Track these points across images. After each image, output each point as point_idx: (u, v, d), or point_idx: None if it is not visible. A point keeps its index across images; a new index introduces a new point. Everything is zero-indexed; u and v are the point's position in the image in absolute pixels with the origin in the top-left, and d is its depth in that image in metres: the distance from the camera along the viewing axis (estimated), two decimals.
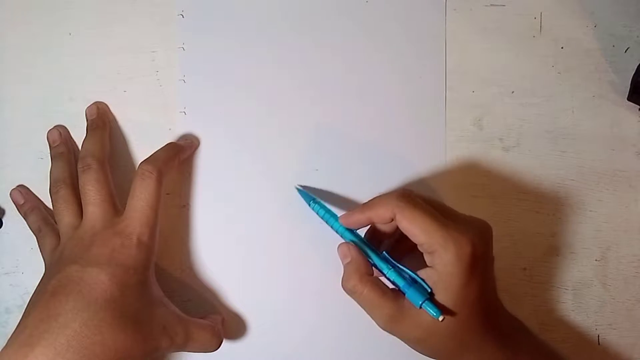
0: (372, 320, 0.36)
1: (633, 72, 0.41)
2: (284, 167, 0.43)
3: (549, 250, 0.43)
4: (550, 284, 0.43)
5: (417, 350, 0.37)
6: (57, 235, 0.39)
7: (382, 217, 0.36)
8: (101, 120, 0.42)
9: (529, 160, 0.43)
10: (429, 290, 0.34)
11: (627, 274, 0.43)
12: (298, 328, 0.42)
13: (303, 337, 0.42)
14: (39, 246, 0.40)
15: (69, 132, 0.43)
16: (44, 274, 0.38)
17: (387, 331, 0.36)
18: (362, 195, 0.42)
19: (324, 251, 0.42)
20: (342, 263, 0.38)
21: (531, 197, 0.43)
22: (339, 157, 0.43)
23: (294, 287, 0.43)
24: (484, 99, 0.43)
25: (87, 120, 0.42)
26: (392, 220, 0.36)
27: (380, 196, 0.37)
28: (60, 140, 0.42)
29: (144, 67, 0.43)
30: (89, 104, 0.43)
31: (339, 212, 0.39)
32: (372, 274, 0.37)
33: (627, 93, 0.42)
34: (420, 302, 0.33)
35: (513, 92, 0.43)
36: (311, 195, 0.41)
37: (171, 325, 0.36)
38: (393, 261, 0.36)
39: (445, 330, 0.34)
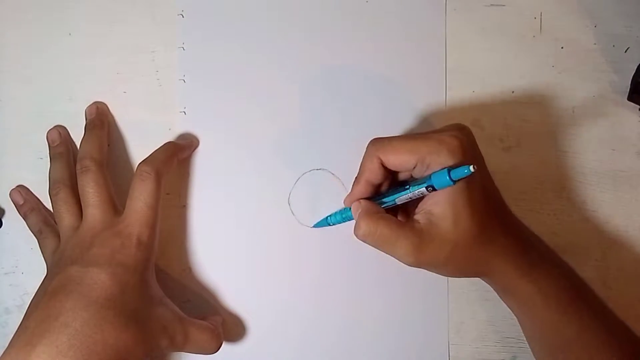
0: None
1: (633, 72, 0.41)
2: (284, 167, 0.43)
3: None
4: None
5: (444, 273, 0.37)
6: (58, 236, 0.39)
7: (372, 170, 0.36)
8: (99, 120, 0.42)
9: (529, 160, 0.43)
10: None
11: (628, 274, 0.43)
12: (298, 329, 0.42)
13: (303, 339, 0.42)
14: (40, 248, 0.40)
15: (68, 132, 0.43)
16: (46, 276, 0.38)
17: (414, 264, 0.35)
18: None
19: (324, 252, 0.42)
20: (356, 219, 0.37)
21: (531, 197, 0.43)
22: (339, 157, 0.43)
23: (294, 288, 0.42)
24: (484, 99, 0.43)
25: (86, 120, 0.42)
26: (383, 168, 0.36)
27: (361, 160, 0.37)
28: (59, 141, 0.42)
29: (143, 67, 0.43)
30: (88, 104, 0.43)
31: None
32: (382, 212, 0.36)
33: (627, 93, 0.42)
34: (447, 177, 0.32)
35: (513, 92, 0.43)
36: (323, 221, 0.42)
37: (171, 325, 0.36)
38: (402, 188, 0.36)
39: (469, 238, 0.34)
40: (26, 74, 0.43)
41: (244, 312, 0.42)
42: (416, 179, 0.36)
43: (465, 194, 0.34)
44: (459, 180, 0.33)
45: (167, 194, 0.42)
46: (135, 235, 0.37)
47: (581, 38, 0.43)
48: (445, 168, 0.33)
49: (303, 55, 0.43)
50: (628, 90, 0.42)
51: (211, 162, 0.43)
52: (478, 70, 0.43)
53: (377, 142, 0.36)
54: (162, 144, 0.40)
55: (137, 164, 0.41)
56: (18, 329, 0.34)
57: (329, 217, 0.41)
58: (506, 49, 0.43)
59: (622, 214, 0.43)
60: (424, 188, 0.34)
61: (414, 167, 0.35)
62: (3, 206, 0.43)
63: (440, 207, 0.34)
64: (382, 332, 0.42)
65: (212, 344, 0.38)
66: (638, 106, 0.43)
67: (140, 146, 0.43)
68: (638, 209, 0.43)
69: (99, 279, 0.34)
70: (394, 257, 0.35)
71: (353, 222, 0.37)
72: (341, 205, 0.42)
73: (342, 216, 0.40)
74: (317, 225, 0.42)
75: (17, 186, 0.43)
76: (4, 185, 0.43)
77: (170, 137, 0.43)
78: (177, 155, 0.41)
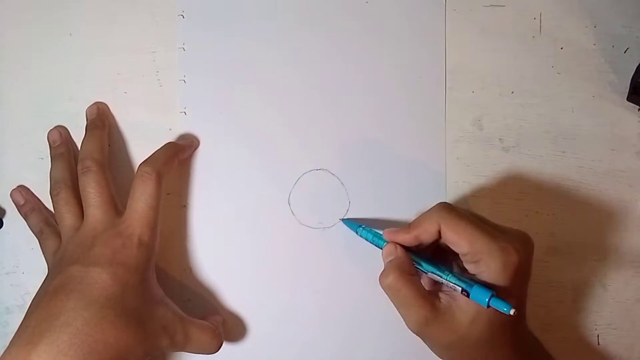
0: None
1: (632, 73, 0.41)
2: (284, 167, 0.43)
3: (549, 250, 0.43)
4: (550, 284, 0.43)
5: (440, 356, 0.37)
6: (59, 236, 0.40)
7: (428, 232, 0.36)
8: (100, 120, 0.42)
9: (529, 160, 0.43)
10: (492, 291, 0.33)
11: (627, 274, 0.43)
12: (298, 329, 0.43)
13: (303, 339, 0.42)
14: (41, 248, 0.40)
15: (69, 132, 0.43)
16: (47, 276, 0.38)
17: (415, 333, 0.36)
18: (362, 195, 0.43)
19: (324, 251, 0.42)
20: (384, 261, 0.37)
21: (531, 197, 0.43)
22: (339, 157, 0.43)
23: (295, 287, 0.43)
24: (484, 99, 0.43)
25: (86, 120, 0.42)
26: (438, 234, 0.35)
27: (423, 214, 0.36)
28: (60, 141, 0.42)
29: (144, 68, 0.43)
30: (89, 104, 0.43)
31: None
32: (414, 275, 0.36)
33: (627, 93, 0.42)
34: (487, 299, 0.32)
35: (513, 92, 0.43)
36: (357, 223, 0.41)
37: (171, 324, 0.37)
38: (443, 267, 0.36)
39: (476, 338, 0.34)
40: (26, 74, 0.43)
41: (244, 311, 0.43)
42: (456, 261, 0.37)
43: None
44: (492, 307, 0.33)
45: (168, 194, 0.42)
46: (137, 236, 0.37)
47: (581, 38, 0.43)
48: (489, 293, 0.33)
49: (303, 55, 0.43)
50: (627, 90, 0.42)
51: (211, 162, 0.43)
52: (478, 70, 0.43)
53: (445, 211, 0.36)
54: (163, 145, 0.40)
55: (138, 164, 0.41)
56: (19, 328, 0.34)
57: (361, 228, 0.40)
58: (506, 49, 0.43)
59: (621, 214, 0.43)
60: (460, 288, 0.34)
61: (465, 254, 0.35)
62: (4, 206, 0.43)
63: (466, 300, 0.34)
64: (382, 333, 0.42)
65: (213, 344, 0.39)
66: (637, 106, 0.43)
67: (141, 146, 0.43)
68: (637, 209, 0.43)
69: (100, 279, 0.34)
70: (401, 316, 0.36)
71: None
72: (339, 206, 0.42)
73: (372, 238, 0.39)
74: (345, 222, 0.42)
75: (18, 186, 0.43)
76: (5, 185, 0.43)
77: (170, 137, 0.43)
78: (178, 156, 0.41)
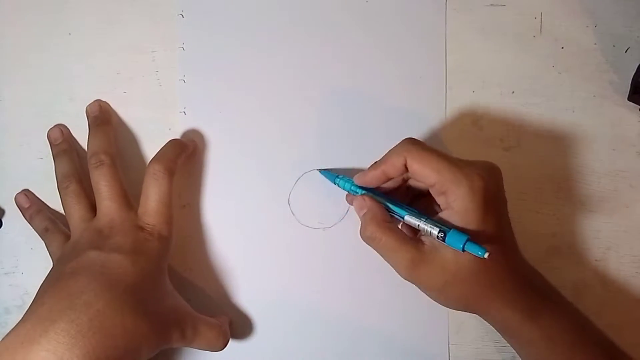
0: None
1: (633, 72, 0.41)
2: (284, 166, 0.43)
3: (549, 250, 0.43)
4: None
5: (438, 300, 0.36)
6: (64, 234, 0.40)
7: (395, 165, 0.36)
8: (105, 116, 0.42)
9: (529, 160, 0.43)
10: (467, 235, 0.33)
11: (627, 274, 0.43)
12: (298, 328, 0.42)
13: (303, 338, 0.42)
14: (46, 244, 0.40)
15: (69, 130, 0.43)
16: (55, 265, 0.37)
17: (407, 279, 0.36)
18: None
19: (324, 251, 0.42)
20: (359, 215, 0.37)
21: (531, 197, 0.43)
22: (340, 157, 0.43)
23: (294, 287, 0.43)
24: (484, 99, 0.43)
25: (89, 118, 0.42)
26: (405, 168, 0.36)
27: (390, 150, 0.37)
28: (62, 138, 0.42)
29: (144, 67, 0.43)
30: (89, 104, 0.43)
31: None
32: (390, 222, 0.36)
33: (628, 93, 0.42)
34: (462, 244, 0.32)
35: (513, 92, 0.43)
36: (334, 174, 0.41)
37: (182, 318, 0.37)
38: (419, 212, 0.36)
39: (469, 272, 0.34)
40: (26, 74, 0.43)
41: (244, 311, 0.43)
42: (428, 196, 0.37)
43: (477, 231, 0.34)
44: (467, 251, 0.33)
45: None
46: (157, 231, 0.38)
47: (581, 38, 0.43)
48: (464, 237, 0.32)
49: (303, 56, 0.43)
50: (628, 90, 0.42)
51: (211, 162, 0.43)
52: (478, 70, 0.43)
53: (410, 144, 0.36)
54: (169, 141, 0.41)
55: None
56: (31, 306, 0.33)
57: (339, 178, 0.40)
58: (506, 49, 0.43)
59: (621, 214, 0.43)
60: (436, 232, 0.34)
61: (433, 185, 0.35)
62: (3, 206, 0.43)
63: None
64: (382, 332, 0.42)
65: (219, 341, 0.39)
66: (638, 106, 0.43)
67: (141, 146, 0.43)
68: (638, 209, 0.43)
69: (122, 265, 0.35)
70: (391, 265, 0.36)
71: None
72: (339, 206, 0.42)
73: (350, 187, 0.39)
74: (323, 173, 0.42)
75: (23, 190, 0.42)
76: (4, 185, 0.43)
77: (170, 137, 0.42)
78: (185, 152, 0.41)
